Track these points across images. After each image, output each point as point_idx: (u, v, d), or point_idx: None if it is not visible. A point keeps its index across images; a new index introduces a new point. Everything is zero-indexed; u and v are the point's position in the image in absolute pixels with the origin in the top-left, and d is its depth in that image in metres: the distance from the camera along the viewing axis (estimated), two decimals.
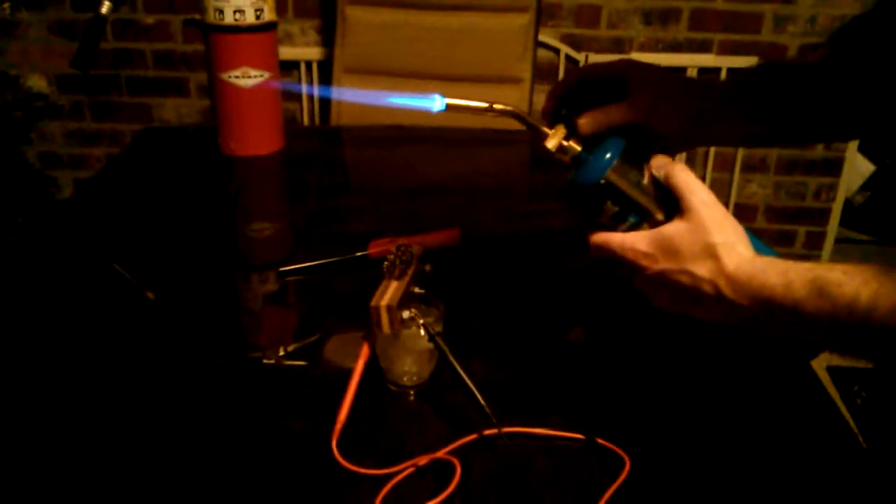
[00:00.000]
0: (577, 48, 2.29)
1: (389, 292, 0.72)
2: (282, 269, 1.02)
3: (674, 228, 0.62)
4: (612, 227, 0.66)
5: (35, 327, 0.90)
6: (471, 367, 0.72)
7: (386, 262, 0.75)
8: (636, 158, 0.66)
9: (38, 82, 2.35)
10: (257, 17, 1.31)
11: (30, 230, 2.15)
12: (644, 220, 0.65)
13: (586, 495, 0.66)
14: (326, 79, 2.18)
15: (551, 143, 0.68)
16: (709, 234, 0.60)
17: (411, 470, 0.68)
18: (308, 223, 1.23)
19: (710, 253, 0.60)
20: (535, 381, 0.82)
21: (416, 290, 0.76)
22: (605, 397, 0.79)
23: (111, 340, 0.87)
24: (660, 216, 0.65)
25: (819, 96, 0.74)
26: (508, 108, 0.68)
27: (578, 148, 0.68)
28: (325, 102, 2.15)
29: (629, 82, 0.72)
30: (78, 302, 0.95)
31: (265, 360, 0.84)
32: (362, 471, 0.67)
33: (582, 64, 2.29)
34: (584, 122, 0.69)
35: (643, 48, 2.29)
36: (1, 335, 0.88)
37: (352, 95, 0.72)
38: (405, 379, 0.79)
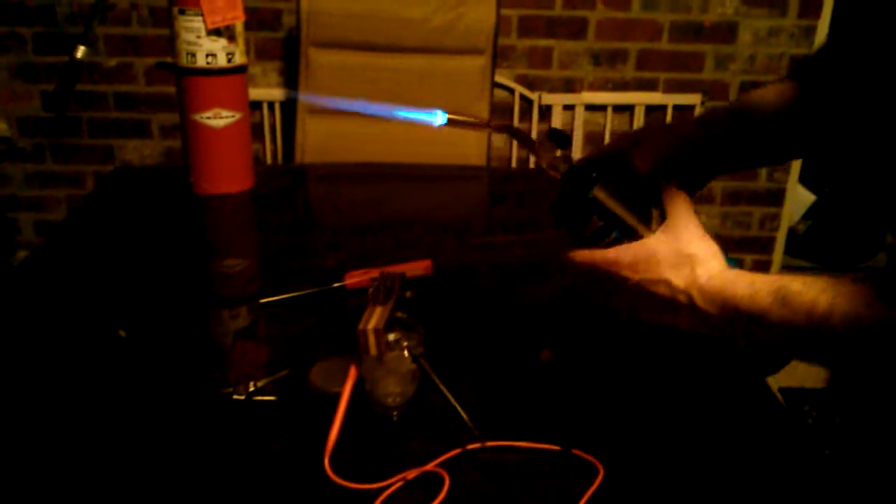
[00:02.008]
0: (531, 88, 2.39)
1: (375, 317, 0.77)
2: (262, 300, 1.05)
3: (655, 240, 0.68)
4: (595, 243, 0.72)
5: (5, 367, 0.91)
6: (450, 386, 0.76)
7: (370, 289, 0.80)
8: (620, 182, 0.73)
9: None
10: (229, 61, 1.36)
11: None
12: (626, 236, 0.71)
13: (564, 501, 0.71)
14: (289, 118, 2.23)
15: (544, 160, 0.74)
16: (687, 245, 0.66)
17: (400, 483, 0.72)
18: (279, 258, 1.27)
19: (686, 263, 0.65)
20: (510, 399, 0.87)
21: (399, 314, 0.81)
22: (578, 411, 0.85)
23: (84, 378, 0.88)
24: (642, 231, 0.71)
25: (788, 137, 0.81)
26: (505, 123, 0.74)
27: (567, 165, 0.74)
28: (289, 141, 2.19)
29: None
30: (49, 340, 0.96)
31: (235, 396, 0.85)
32: (354, 486, 0.71)
33: (535, 104, 2.39)
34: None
35: (592, 87, 2.39)
36: None
37: (363, 107, 0.78)
38: (389, 400, 0.83)
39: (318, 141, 2.04)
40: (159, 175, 1.67)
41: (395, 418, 0.83)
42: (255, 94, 2.28)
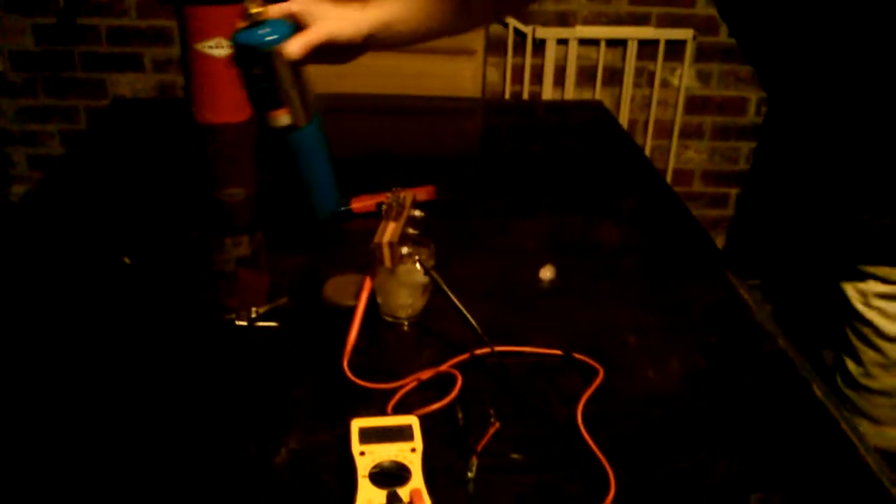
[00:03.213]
0: (525, 21, 2.39)
1: (389, 231, 0.81)
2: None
3: None
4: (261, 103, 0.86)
5: (10, 294, 0.94)
6: (459, 298, 0.81)
7: (384, 206, 0.84)
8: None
9: None
10: None
11: None
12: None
13: (567, 399, 0.76)
14: None
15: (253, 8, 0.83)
16: None
17: (415, 383, 0.77)
18: (281, 187, 1.29)
19: None
20: (516, 311, 0.92)
21: (410, 230, 0.86)
22: (579, 322, 0.90)
23: (89, 304, 0.91)
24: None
25: None
26: None
27: (260, 17, 0.83)
28: None
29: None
30: (54, 269, 0.98)
31: (237, 322, 0.87)
32: (372, 385, 0.77)
33: (529, 36, 2.40)
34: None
35: (587, 21, 2.40)
36: None
37: None
38: (401, 311, 0.88)
39: (314, 73, 2.04)
40: (158, 106, 1.69)
41: (406, 328, 0.88)
42: None
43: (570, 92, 2.50)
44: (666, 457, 0.70)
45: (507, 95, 2.49)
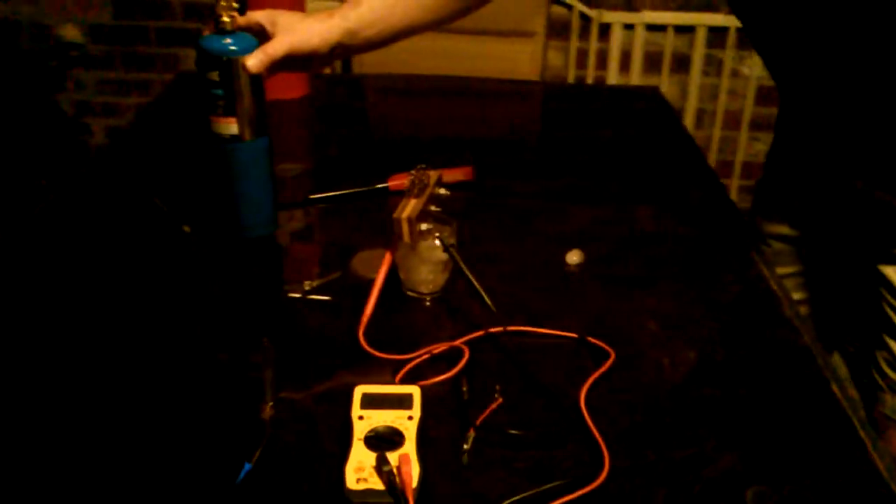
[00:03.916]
0: (590, 5, 2.37)
1: (409, 207, 0.83)
2: (311, 195, 1.12)
3: None
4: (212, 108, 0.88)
5: (77, 262, 1.00)
6: (479, 278, 0.82)
7: (406, 182, 0.86)
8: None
9: (72, 32, 2.45)
10: None
11: (64, 174, 2.26)
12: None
13: (575, 381, 0.77)
14: None
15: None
16: None
17: (427, 356, 0.79)
18: (330, 163, 1.33)
19: None
20: (538, 293, 0.92)
21: (433, 208, 0.87)
22: (600, 307, 0.90)
23: (151, 268, 0.97)
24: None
25: None
26: None
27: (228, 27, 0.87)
28: None
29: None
30: (118, 235, 1.05)
31: (290, 294, 0.90)
32: (384, 356, 0.79)
33: (594, 20, 2.37)
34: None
35: (655, 7, 2.36)
36: (45, 269, 1.00)
37: None
38: (422, 287, 0.90)
39: (371, 53, 2.07)
40: None
41: (427, 303, 0.90)
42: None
43: (636, 78, 2.46)
44: (665, 444, 0.70)
45: (570, 80, 2.47)
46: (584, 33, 2.42)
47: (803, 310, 1.03)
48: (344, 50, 0.96)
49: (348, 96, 1.73)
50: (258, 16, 0.90)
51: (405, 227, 0.82)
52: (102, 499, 0.64)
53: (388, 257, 0.84)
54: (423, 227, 0.83)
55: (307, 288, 0.91)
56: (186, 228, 1.03)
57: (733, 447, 0.70)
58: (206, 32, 0.88)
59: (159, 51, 2.47)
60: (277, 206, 0.98)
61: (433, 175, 0.89)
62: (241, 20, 0.89)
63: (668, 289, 0.94)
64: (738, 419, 0.74)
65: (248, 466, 0.64)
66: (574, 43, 2.42)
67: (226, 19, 0.86)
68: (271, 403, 0.71)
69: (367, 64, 2.09)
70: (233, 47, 0.86)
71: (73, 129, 2.51)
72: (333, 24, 0.93)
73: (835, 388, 0.78)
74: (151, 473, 0.66)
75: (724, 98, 2.46)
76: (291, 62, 0.91)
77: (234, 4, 0.87)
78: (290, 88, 1.52)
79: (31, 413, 0.73)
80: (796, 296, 1.04)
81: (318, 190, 1.14)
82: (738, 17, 0.96)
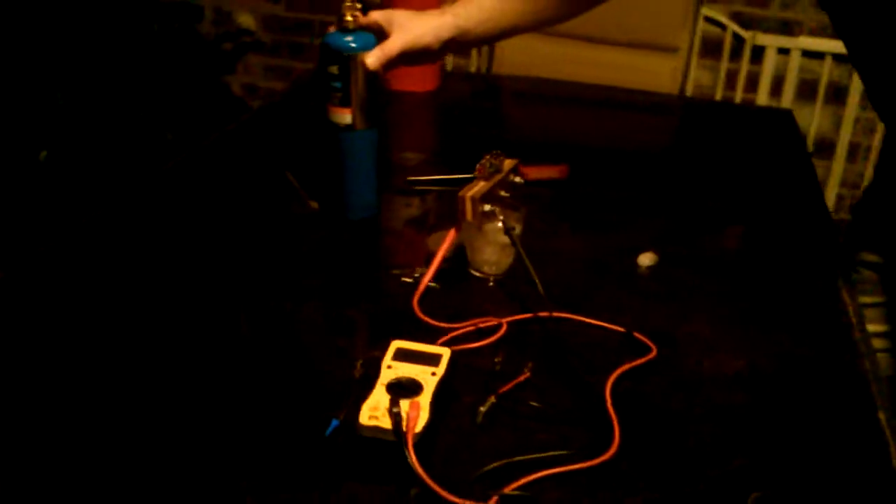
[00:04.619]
0: (746, 27, 2.31)
1: (476, 188, 0.88)
2: (410, 178, 1.20)
3: None
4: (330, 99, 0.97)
5: (209, 221, 1.11)
6: (539, 266, 0.85)
7: (479, 165, 0.91)
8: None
9: (246, 19, 2.68)
10: None
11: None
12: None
13: (610, 371, 0.79)
14: None
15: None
16: None
17: (471, 328, 0.84)
18: (449, 154, 1.38)
19: None
20: (600, 288, 0.95)
21: (503, 193, 0.92)
22: (660, 307, 0.91)
23: (278, 240, 1.04)
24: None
25: None
26: None
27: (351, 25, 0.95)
28: (491, 48, 2.27)
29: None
30: (251, 206, 1.13)
31: (403, 279, 0.93)
32: (433, 322, 0.84)
33: (748, 42, 2.31)
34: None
35: (812, 33, 2.27)
36: (190, 218, 1.12)
37: None
38: (486, 267, 0.94)
39: (513, 55, 2.12)
40: None
41: (490, 283, 0.94)
42: None
43: (788, 103, 2.37)
44: (680, 442, 0.71)
45: (717, 98, 2.42)
46: (737, 54, 2.36)
47: (879, 343, 0.99)
48: (455, 46, 1.03)
49: (482, 94, 1.80)
50: (376, 15, 1.00)
51: (468, 206, 0.87)
52: (196, 458, 0.72)
53: (451, 234, 0.90)
54: (487, 207, 0.87)
55: (417, 275, 0.93)
56: (314, 205, 1.09)
57: (745, 453, 0.70)
58: (331, 30, 0.98)
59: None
60: (379, 192, 1.07)
61: (508, 162, 0.93)
62: (362, 19, 0.98)
63: (736, 301, 0.94)
64: (762, 431, 0.73)
65: (335, 423, 0.69)
66: (724, 63, 2.37)
67: (349, 18, 0.96)
68: (361, 362, 0.76)
69: (507, 64, 2.15)
70: (353, 44, 0.96)
71: (238, 110, 2.74)
72: (445, 22, 1.01)
73: (881, 415, 0.76)
74: (251, 426, 0.71)
75: (881, 134, 2.32)
76: (406, 58, 1.00)
77: (358, 5, 0.97)
78: (420, 81, 1.60)
79: (124, 364, 0.84)
80: (877, 327, 0.99)
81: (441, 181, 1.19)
82: (844, 42, 0.94)
